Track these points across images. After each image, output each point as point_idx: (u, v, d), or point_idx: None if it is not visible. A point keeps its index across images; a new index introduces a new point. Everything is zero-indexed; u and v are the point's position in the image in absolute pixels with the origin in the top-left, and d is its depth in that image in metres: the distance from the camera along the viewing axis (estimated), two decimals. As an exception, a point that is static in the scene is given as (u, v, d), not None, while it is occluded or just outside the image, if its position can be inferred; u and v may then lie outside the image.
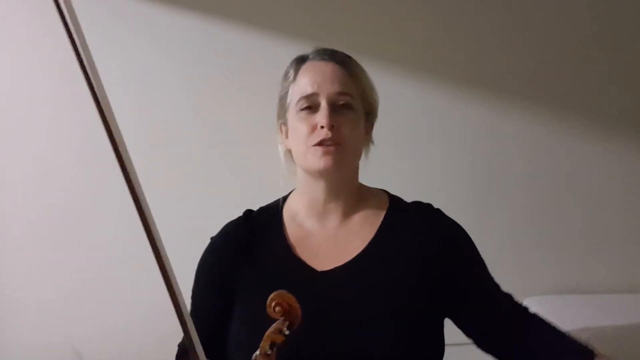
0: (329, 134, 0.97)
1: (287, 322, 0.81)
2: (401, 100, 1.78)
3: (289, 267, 1.02)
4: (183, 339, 1.08)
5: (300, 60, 1.06)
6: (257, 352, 0.81)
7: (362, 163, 1.10)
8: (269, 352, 0.80)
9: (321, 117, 0.98)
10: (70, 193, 1.77)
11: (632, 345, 1.49)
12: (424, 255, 1.01)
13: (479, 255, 1.10)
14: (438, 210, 1.10)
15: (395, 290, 0.98)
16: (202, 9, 1.72)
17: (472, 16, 1.78)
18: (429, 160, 1.81)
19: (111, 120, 0.57)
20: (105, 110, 0.56)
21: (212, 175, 1.78)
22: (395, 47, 1.78)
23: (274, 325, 0.82)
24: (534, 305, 1.76)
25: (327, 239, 1.04)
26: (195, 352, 0.67)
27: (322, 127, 0.97)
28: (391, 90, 1.78)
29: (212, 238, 1.12)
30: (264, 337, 0.81)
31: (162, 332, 1.75)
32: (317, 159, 0.98)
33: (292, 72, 1.05)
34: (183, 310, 0.65)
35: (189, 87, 1.76)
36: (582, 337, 1.53)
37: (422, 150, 1.81)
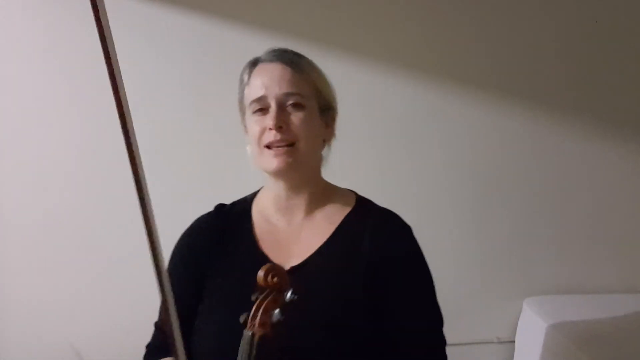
0: (278, 135, 0.98)
1: (288, 290, 0.85)
2: (401, 100, 1.78)
3: (252, 261, 1.01)
4: (151, 340, 1.10)
5: (253, 63, 1.06)
6: (255, 324, 0.83)
7: (328, 159, 1.11)
8: (281, 319, 0.82)
9: (269, 118, 0.99)
10: (71, 194, 1.77)
11: (632, 345, 1.49)
12: (368, 261, 0.99)
13: (422, 283, 1.03)
14: (401, 222, 1.06)
15: (339, 293, 0.98)
16: (202, 9, 1.72)
17: (473, 16, 1.78)
18: (429, 160, 1.81)
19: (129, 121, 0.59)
20: (125, 112, 0.58)
21: (212, 174, 1.78)
22: (395, 47, 1.78)
23: (267, 295, 0.85)
24: (534, 305, 1.78)
25: (290, 234, 1.05)
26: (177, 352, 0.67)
27: (271, 128, 0.98)
28: (391, 90, 1.79)
29: (183, 233, 1.13)
30: (265, 308, 0.84)
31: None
32: (270, 161, 0.99)
33: (246, 76, 1.05)
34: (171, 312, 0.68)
35: (189, 87, 1.76)
36: (582, 337, 1.53)
37: (422, 150, 1.81)
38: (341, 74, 1.78)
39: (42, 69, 1.73)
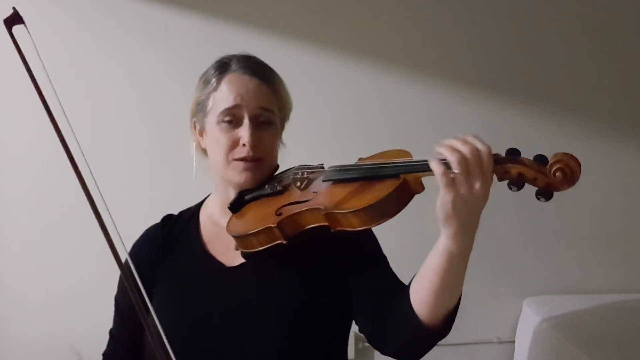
0: (250, 152, 0.99)
1: None
2: (401, 100, 1.78)
3: (199, 263, 1.06)
4: (107, 347, 1.13)
5: (223, 69, 1.04)
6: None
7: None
8: None
9: (244, 133, 0.99)
10: (70, 193, 1.77)
11: (633, 345, 1.49)
12: (323, 254, 1.01)
13: (381, 252, 1.08)
14: None
15: (288, 288, 1.00)
16: (202, 8, 1.72)
17: (473, 16, 1.78)
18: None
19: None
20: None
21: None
22: (396, 47, 1.78)
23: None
24: (534, 305, 1.78)
25: None
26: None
27: (244, 144, 0.99)
28: (391, 90, 1.79)
29: (133, 243, 1.15)
30: None
31: (162, 332, 1.73)
32: (237, 174, 1.01)
33: (214, 81, 1.04)
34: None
35: (189, 87, 1.75)
36: (582, 337, 1.53)
37: (421, 150, 1.80)
38: (340, 75, 1.79)
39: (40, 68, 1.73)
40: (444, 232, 0.85)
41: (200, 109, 1.06)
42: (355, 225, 0.87)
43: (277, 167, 1.09)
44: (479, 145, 0.86)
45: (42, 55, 1.69)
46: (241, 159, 1.00)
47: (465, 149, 0.83)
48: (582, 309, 1.69)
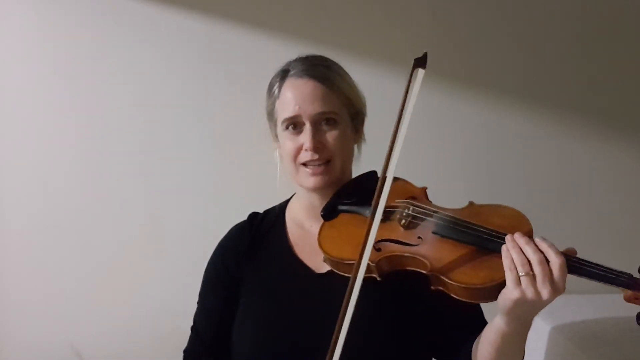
0: (315, 155, 0.99)
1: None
2: (400, 100, 1.78)
3: (289, 267, 1.05)
4: (188, 345, 1.10)
5: (283, 76, 1.05)
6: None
7: (359, 160, 1.12)
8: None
9: (305, 139, 0.99)
10: (70, 193, 1.77)
11: (632, 345, 1.49)
12: (415, 287, 0.95)
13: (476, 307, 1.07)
14: None
15: (376, 295, 0.97)
16: (202, 8, 1.72)
17: (472, 16, 1.78)
18: (428, 160, 1.80)
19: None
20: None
21: (212, 175, 1.77)
22: (395, 47, 1.78)
23: None
24: (534, 305, 1.77)
25: None
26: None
27: (307, 149, 0.99)
28: (391, 90, 1.78)
29: (219, 243, 1.15)
30: None
31: (162, 332, 1.75)
32: (306, 179, 1.01)
33: (276, 88, 1.05)
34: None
35: (189, 87, 1.75)
36: (582, 337, 1.53)
37: (420, 150, 1.80)
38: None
39: (41, 68, 1.73)
40: (499, 315, 0.85)
41: (270, 118, 1.07)
42: (460, 296, 0.83)
43: (375, 173, 1.06)
44: (552, 256, 0.84)
45: (42, 55, 1.70)
46: (307, 163, 1.00)
47: (534, 258, 0.81)
48: (583, 309, 1.69)
